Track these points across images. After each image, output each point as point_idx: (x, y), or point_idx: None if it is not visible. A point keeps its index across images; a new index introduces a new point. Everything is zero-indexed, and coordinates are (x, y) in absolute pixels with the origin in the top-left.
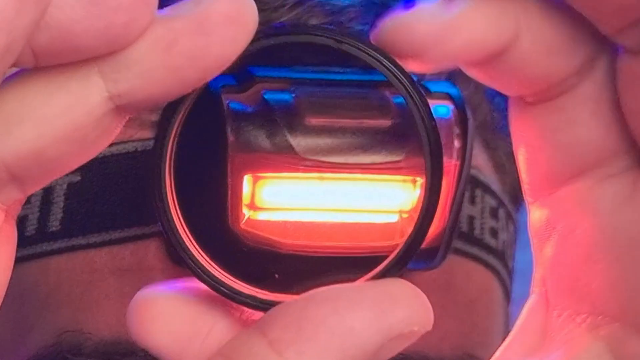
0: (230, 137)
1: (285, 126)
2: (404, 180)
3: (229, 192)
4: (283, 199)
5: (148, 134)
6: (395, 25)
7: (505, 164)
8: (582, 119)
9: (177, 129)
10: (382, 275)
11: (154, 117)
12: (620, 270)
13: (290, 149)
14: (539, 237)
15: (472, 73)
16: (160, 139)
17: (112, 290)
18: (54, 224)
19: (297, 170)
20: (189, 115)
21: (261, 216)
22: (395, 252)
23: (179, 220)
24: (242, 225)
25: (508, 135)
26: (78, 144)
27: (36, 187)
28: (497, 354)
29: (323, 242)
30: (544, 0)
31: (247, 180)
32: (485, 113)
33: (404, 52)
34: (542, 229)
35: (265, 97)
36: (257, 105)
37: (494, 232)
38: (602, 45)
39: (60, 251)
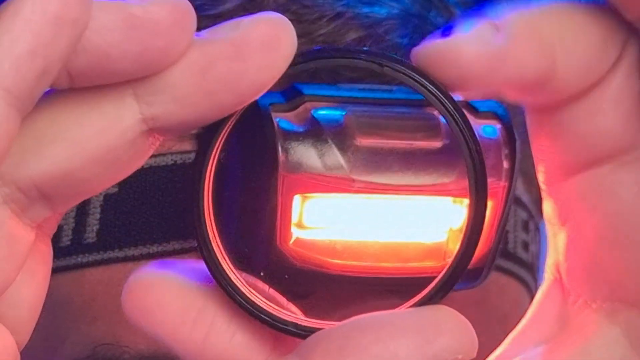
0: (281, 157)
1: (335, 146)
2: (454, 201)
3: (278, 211)
4: (332, 219)
5: (187, 146)
6: (440, 50)
7: (532, 174)
8: (603, 109)
9: (217, 149)
10: (428, 299)
11: (194, 130)
12: (638, 255)
13: (341, 169)
14: (554, 223)
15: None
16: (199, 160)
17: None
18: (90, 236)
19: (347, 191)
20: (236, 132)
21: (310, 236)
22: (441, 275)
23: (217, 243)
24: (291, 245)
25: None
26: (110, 165)
27: (67, 207)
28: (509, 339)
29: (372, 263)
30: (575, 16)
31: (296, 199)
32: (519, 124)
33: (448, 78)
34: (557, 215)
35: (315, 115)
36: (307, 124)
37: (525, 245)
38: (628, 37)
39: (95, 263)
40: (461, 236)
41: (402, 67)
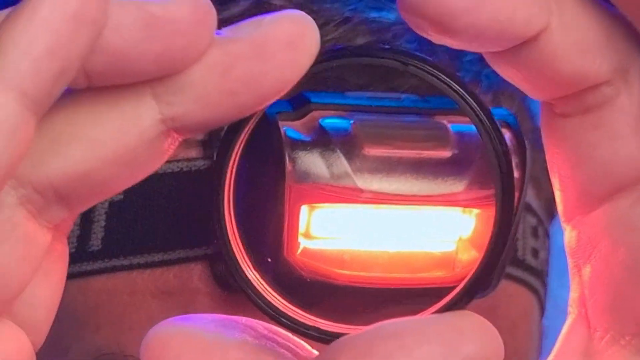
0: (289, 167)
1: (343, 155)
2: (463, 212)
3: (285, 221)
4: (339, 229)
5: (194, 153)
6: None
7: (541, 179)
8: (621, 134)
9: (237, 152)
10: (452, 305)
11: (201, 136)
12: None
13: (349, 179)
14: (578, 257)
15: (501, 66)
16: (220, 162)
17: (156, 313)
18: (95, 243)
19: (355, 202)
20: (246, 140)
21: (317, 246)
22: (465, 281)
23: (238, 247)
24: (298, 255)
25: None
26: (128, 166)
27: (83, 208)
28: None
29: (380, 273)
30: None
31: (303, 209)
32: (528, 130)
33: (430, 17)
34: (581, 249)
35: (323, 124)
36: (315, 133)
37: (535, 252)
38: (638, 55)
39: (100, 271)
40: (468, 244)
41: (426, 66)
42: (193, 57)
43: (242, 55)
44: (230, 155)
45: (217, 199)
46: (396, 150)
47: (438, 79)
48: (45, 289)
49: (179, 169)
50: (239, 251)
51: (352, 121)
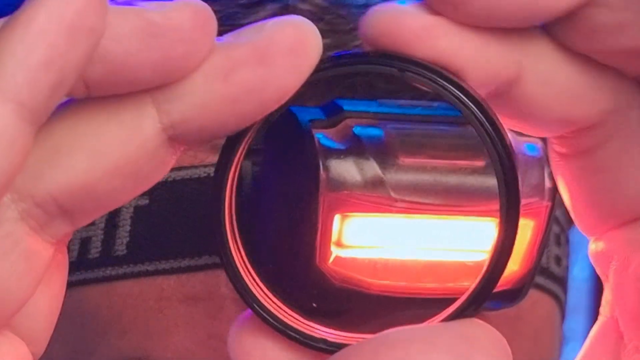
0: (323, 175)
1: (378, 164)
2: (496, 222)
3: (318, 230)
4: (372, 238)
5: None
6: (381, 16)
7: None
8: (626, 174)
9: (238, 161)
10: (460, 312)
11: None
12: None
13: (383, 188)
14: (600, 266)
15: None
16: (220, 173)
17: (182, 319)
18: (120, 249)
19: (389, 211)
20: (276, 148)
21: (349, 254)
22: (472, 287)
23: (241, 259)
24: (330, 264)
25: None
26: (130, 177)
27: (87, 221)
28: None
29: (412, 283)
30: (560, 46)
31: (336, 218)
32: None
33: (388, 46)
34: (600, 260)
35: (356, 132)
36: (348, 142)
37: (558, 260)
38: (635, 93)
39: (125, 276)
40: (494, 246)
41: (426, 72)
42: (194, 64)
43: (243, 60)
44: (230, 167)
45: (217, 214)
46: (430, 160)
47: (437, 84)
48: (45, 299)
49: (205, 174)
50: (243, 266)
51: (385, 130)
